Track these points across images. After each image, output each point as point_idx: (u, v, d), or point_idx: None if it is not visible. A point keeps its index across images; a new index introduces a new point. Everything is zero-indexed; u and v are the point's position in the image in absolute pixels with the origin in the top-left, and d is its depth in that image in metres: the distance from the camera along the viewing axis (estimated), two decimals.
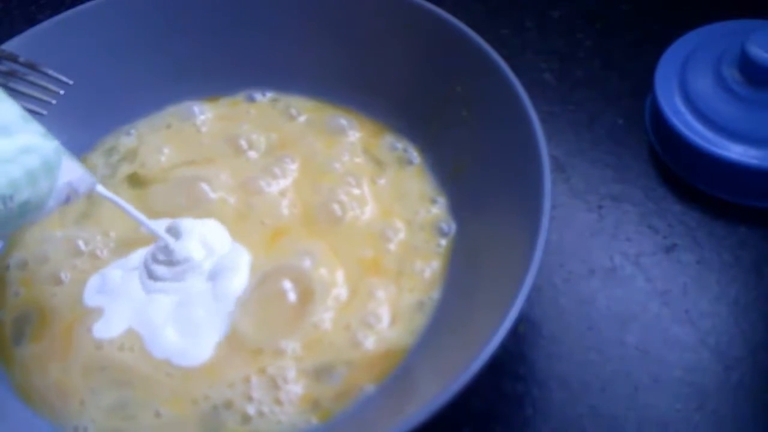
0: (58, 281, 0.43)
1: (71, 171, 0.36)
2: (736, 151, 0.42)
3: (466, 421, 0.38)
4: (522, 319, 0.35)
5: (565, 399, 0.38)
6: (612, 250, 0.43)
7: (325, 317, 0.39)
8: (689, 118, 0.44)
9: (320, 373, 0.38)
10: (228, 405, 0.38)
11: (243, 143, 0.47)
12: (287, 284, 0.40)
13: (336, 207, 0.43)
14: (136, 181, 0.46)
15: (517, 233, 0.36)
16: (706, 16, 0.48)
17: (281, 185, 0.45)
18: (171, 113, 0.49)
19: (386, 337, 0.39)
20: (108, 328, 0.40)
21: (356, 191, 0.44)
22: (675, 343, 0.39)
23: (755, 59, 0.42)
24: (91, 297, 0.42)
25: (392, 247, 0.41)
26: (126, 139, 0.48)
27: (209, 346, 0.39)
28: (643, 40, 0.51)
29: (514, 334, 0.33)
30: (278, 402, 0.37)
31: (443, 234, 0.41)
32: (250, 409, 0.37)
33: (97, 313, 0.41)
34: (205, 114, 0.48)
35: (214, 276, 0.41)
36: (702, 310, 0.40)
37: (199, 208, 0.44)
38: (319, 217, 0.43)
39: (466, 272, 0.39)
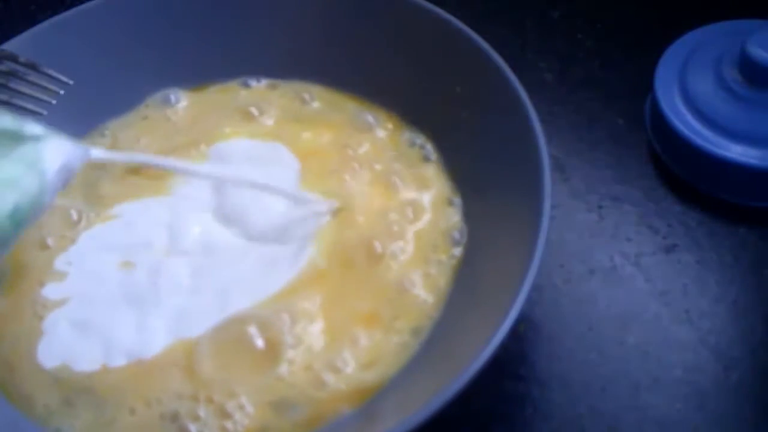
0: (45, 246, 0.42)
1: (60, 152, 0.32)
2: (736, 151, 0.42)
3: (466, 421, 0.38)
4: (522, 319, 0.35)
5: (565, 399, 0.38)
6: (612, 250, 0.43)
7: (290, 365, 0.37)
8: (689, 118, 0.44)
9: (278, 406, 0.36)
10: (174, 418, 0.36)
11: (253, 110, 0.46)
12: (256, 332, 0.37)
13: (378, 245, 0.40)
14: (137, 170, 0.45)
15: (518, 233, 0.36)
16: (706, 16, 0.48)
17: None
18: (147, 104, 0.48)
19: (359, 378, 0.36)
20: (58, 291, 0.41)
21: (403, 223, 0.41)
22: (675, 343, 0.39)
23: (755, 59, 0.42)
24: (61, 264, 0.42)
25: (396, 297, 0.39)
26: (101, 141, 0.46)
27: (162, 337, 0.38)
28: (643, 40, 0.51)
29: (515, 334, 0.33)
30: (223, 430, 0.35)
31: (456, 243, 0.40)
32: (192, 429, 0.35)
33: (60, 276, 0.41)
34: (181, 102, 0.47)
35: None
36: (702, 311, 0.40)
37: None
38: (356, 259, 0.40)
39: (468, 274, 0.39)
